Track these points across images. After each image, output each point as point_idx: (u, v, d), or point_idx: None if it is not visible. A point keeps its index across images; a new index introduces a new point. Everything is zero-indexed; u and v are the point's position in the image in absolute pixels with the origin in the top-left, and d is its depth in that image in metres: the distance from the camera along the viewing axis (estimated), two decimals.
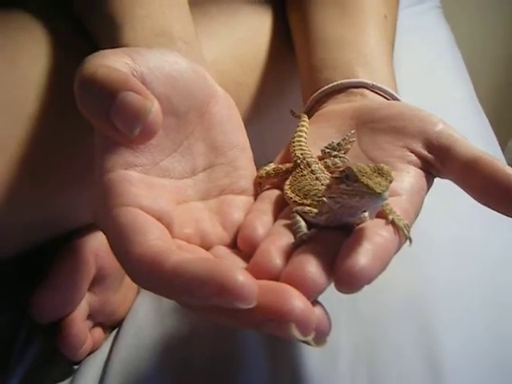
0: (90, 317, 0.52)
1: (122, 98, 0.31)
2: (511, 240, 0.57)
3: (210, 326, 0.48)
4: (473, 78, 0.90)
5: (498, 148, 0.78)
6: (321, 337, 0.28)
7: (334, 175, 0.32)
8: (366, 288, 0.29)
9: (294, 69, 0.52)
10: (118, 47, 0.38)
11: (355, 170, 0.30)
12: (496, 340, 0.48)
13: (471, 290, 0.51)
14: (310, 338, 0.27)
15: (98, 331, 0.53)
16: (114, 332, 0.54)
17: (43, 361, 0.51)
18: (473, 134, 0.74)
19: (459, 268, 0.53)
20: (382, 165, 0.30)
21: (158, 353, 0.48)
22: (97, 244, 0.50)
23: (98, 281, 0.51)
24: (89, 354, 0.52)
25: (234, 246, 0.35)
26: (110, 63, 0.32)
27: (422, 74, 0.84)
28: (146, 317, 0.52)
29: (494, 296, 0.51)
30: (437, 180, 0.39)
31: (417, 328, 0.47)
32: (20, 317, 0.51)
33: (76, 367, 0.52)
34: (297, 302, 0.27)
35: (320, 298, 0.30)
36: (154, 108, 0.31)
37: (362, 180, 0.29)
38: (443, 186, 0.38)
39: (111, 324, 0.54)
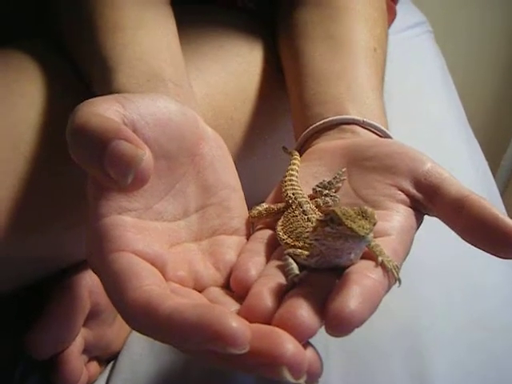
0: (85, 351, 0.52)
1: (113, 146, 0.31)
2: (498, 265, 0.57)
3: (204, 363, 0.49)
4: (463, 101, 0.91)
5: (489, 171, 0.79)
6: (313, 379, 0.28)
7: (319, 218, 0.33)
8: None
9: (286, 103, 0.52)
10: (109, 91, 0.39)
11: (339, 213, 0.31)
12: (486, 365, 0.49)
13: (460, 313, 0.52)
14: (302, 381, 0.28)
15: (94, 365, 0.53)
16: (110, 365, 0.54)
17: None
18: (463, 158, 0.75)
19: (449, 292, 0.54)
20: (365, 207, 0.31)
21: None
22: (91, 280, 0.50)
23: (93, 316, 0.51)
24: None
25: (227, 286, 0.36)
26: (102, 111, 0.33)
27: (413, 97, 0.84)
28: (142, 351, 0.52)
29: (481, 320, 0.52)
30: None
31: (407, 352, 0.48)
32: (18, 352, 0.51)
33: None
34: (288, 345, 0.27)
35: None
36: (146, 156, 0.32)
37: (346, 223, 0.30)
38: None
39: (107, 357, 0.54)
